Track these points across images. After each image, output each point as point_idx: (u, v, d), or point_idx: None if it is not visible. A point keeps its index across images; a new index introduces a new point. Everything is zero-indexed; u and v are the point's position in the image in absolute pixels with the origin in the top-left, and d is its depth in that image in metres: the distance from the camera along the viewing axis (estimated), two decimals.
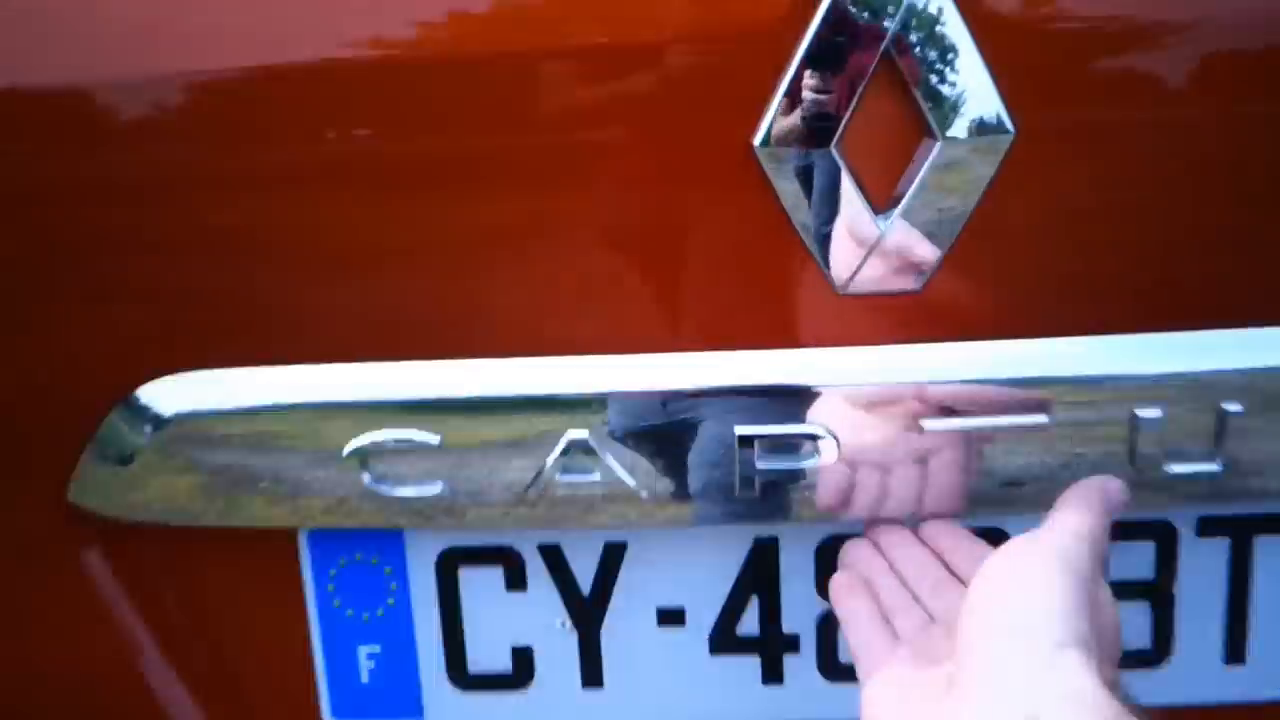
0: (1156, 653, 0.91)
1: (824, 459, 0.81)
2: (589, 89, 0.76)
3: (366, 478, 0.82)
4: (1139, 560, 0.89)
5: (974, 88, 0.73)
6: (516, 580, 0.90)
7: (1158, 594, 0.89)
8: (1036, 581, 0.63)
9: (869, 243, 0.76)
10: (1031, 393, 0.80)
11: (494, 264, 0.80)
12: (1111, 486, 0.74)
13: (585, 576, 0.89)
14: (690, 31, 0.75)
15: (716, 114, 0.75)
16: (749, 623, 0.88)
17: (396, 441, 0.82)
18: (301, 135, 0.77)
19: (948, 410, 0.80)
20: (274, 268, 0.81)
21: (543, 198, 0.78)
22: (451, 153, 0.77)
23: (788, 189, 0.75)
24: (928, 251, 0.77)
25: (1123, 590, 0.89)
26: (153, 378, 0.83)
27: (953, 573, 0.75)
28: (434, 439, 0.81)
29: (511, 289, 0.81)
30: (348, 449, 0.82)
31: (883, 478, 0.81)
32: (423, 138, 0.77)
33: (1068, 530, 0.67)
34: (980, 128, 0.74)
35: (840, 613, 0.76)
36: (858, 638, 0.73)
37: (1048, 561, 0.64)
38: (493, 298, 0.81)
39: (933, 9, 0.72)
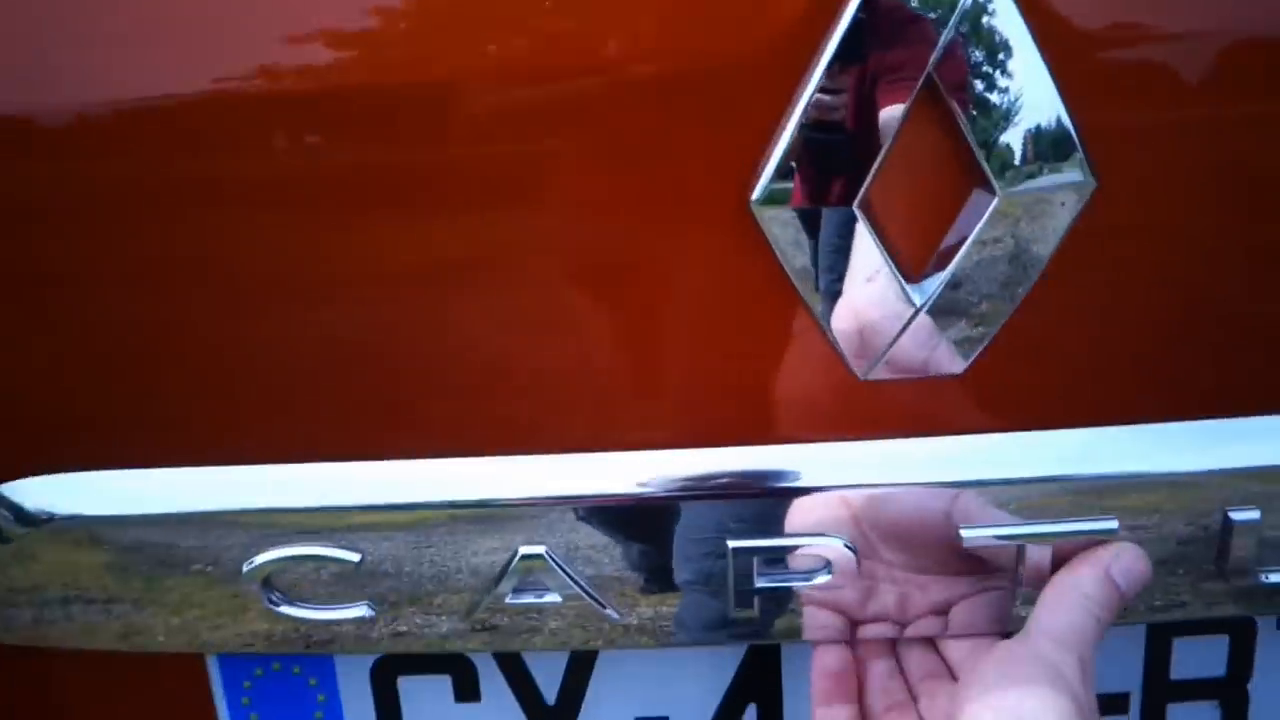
0: None
1: (839, 575, 0.65)
2: (536, 129, 0.58)
3: (269, 600, 0.66)
4: (1208, 655, 0.76)
5: (1044, 127, 0.56)
6: (468, 690, 0.77)
7: (1229, 693, 0.77)
8: (1031, 691, 0.57)
9: (900, 319, 0.59)
10: (1096, 492, 0.64)
11: (428, 344, 0.63)
12: (1120, 567, 0.62)
13: (550, 684, 0.77)
14: (665, 51, 0.56)
15: (702, 162, 0.57)
16: None
17: (306, 559, 0.66)
18: (168, 213, 0.60)
19: (993, 516, 0.63)
20: (161, 351, 0.65)
21: (489, 266, 0.61)
22: (370, 220, 0.60)
23: (795, 257, 0.58)
24: (975, 329, 0.60)
25: (1187, 689, 0.76)
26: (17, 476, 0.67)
27: (946, 662, 0.68)
28: (352, 556, 0.65)
29: (450, 374, 0.64)
30: (247, 568, 0.66)
31: (912, 597, 0.66)
32: (337, 208, 0.60)
33: (1051, 636, 0.60)
34: (1051, 178, 0.56)
35: (818, 713, 0.68)
36: None
37: (1037, 683, 0.58)
38: (427, 385, 0.64)
39: (993, 24, 0.54)
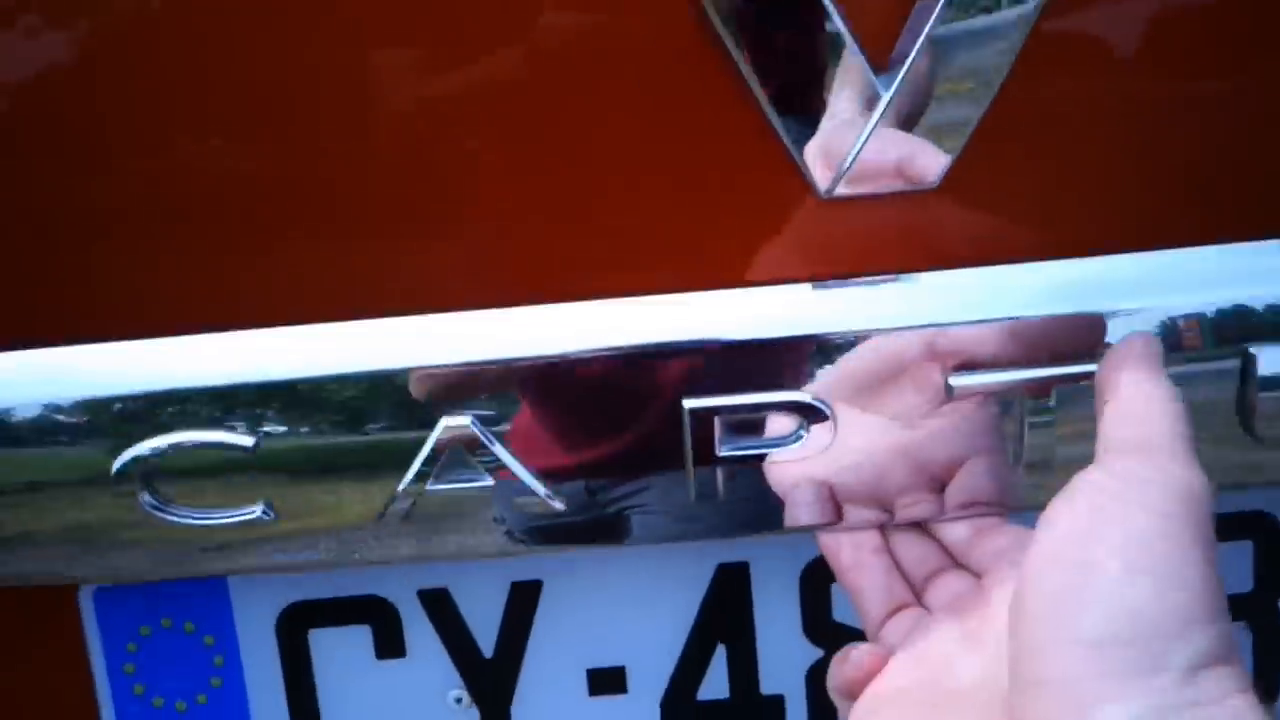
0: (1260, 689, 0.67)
1: (813, 440, 0.56)
2: None
3: (147, 501, 0.56)
4: (1231, 567, 0.67)
5: None
6: (391, 643, 0.67)
7: (1258, 611, 0.68)
8: (1146, 554, 0.40)
9: (868, 115, 0.52)
10: (1092, 330, 0.56)
11: (326, 179, 0.55)
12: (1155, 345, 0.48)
13: (486, 632, 0.67)
14: None
15: None
16: (715, 683, 0.67)
17: (191, 446, 0.56)
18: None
19: (990, 362, 0.55)
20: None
21: (400, 78, 0.54)
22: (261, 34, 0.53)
23: (748, 43, 0.51)
24: (952, 125, 0.53)
25: None
26: None
27: (959, 563, 0.57)
28: (246, 440, 0.56)
29: (352, 217, 0.55)
30: (119, 463, 0.56)
31: (900, 466, 0.57)
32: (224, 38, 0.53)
33: (1179, 455, 0.43)
34: None
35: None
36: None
37: (1159, 517, 0.41)
38: (323, 233, 0.56)
39: None
